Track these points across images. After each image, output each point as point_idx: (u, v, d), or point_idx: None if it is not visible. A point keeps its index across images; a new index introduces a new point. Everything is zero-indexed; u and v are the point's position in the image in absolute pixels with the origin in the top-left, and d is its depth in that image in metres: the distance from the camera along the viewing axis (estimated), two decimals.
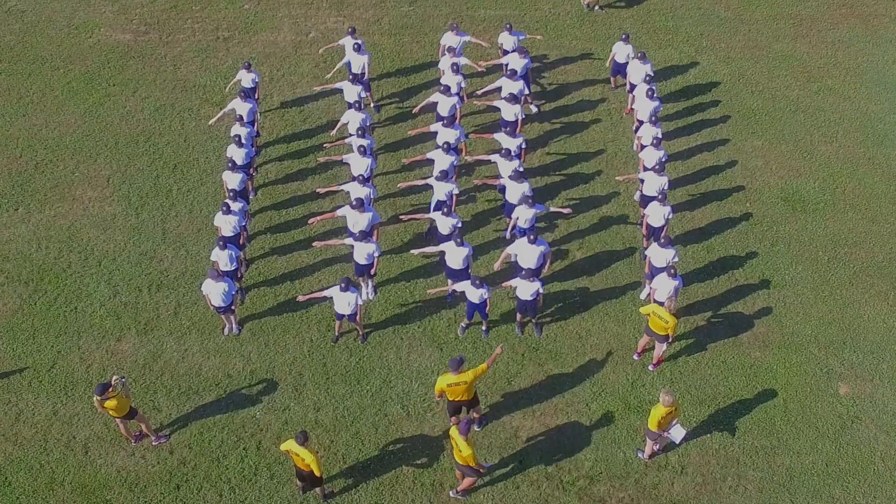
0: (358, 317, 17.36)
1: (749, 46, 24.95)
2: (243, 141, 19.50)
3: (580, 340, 18.07)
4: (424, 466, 16.32)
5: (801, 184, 21.39)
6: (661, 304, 17.44)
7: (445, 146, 19.42)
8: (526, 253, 17.78)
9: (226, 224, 18.17)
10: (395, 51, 24.40)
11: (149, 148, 21.73)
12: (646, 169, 19.66)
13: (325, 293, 17.25)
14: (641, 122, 20.71)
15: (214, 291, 17.06)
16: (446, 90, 20.63)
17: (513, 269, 18.25)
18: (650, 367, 17.71)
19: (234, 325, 18.09)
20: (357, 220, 18.23)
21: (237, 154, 19.31)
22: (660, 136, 19.86)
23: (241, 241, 18.53)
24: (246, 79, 21.17)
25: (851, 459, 16.60)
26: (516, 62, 21.61)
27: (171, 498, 15.85)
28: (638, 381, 17.58)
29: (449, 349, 17.94)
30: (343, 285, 16.90)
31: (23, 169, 21.21)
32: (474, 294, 17.26)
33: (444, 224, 18.46)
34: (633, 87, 21.78)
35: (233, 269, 17.88)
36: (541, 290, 17.40)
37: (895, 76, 24.17)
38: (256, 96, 21.44)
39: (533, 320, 18.20)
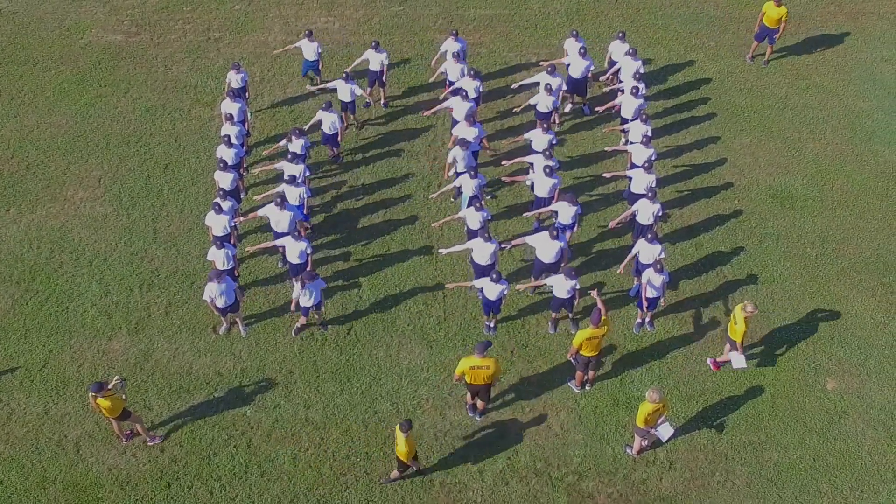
0: (293, 305, 17.50)
1: (738, 44, 25.04)
2: (233, 141, 19.57)
3: (569, 337, 18.13)
4: None
5: (790, 181, 21.50)
6: (653, 300, 17.57)
7: (475, 142, 19.57)
8: (546, 247, 17.85)
9: (217, 224, 18.24)
10: (386, 50, 24.41)
11: (140, 148, 21.79)
12: (634, 166, 19.76)
13: (295, 294, 17.31)
14: (626, 120, 20.81)
15: (218, 292, 17.10)
16: (465, 95, 20.58)
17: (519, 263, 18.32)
18: (710, 363, 17.89)
19: (241, 326, 18.13)
20: (279, 219, 18.29)
21: (227, 154, 19.37)
22: (649, 134, 19.92)
23: (231, 241, 18.58)
24: (235, 79, 21.24)
25: (839, 454, 16.71)
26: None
27: (162, 496, 15.92)
28: (626, 378, 17.68)
29: (438, 346, 18.03)
30: (305, 280, 16.94)
31: (14, 170, 21.27)
32: (493, 290, 17.28)
33: (474, 219, 18.47)
34: (622, 83, 21.84)
35: (230, 267, 17.94)
36: (577, 287, 17.45)
37: (883, 73, 24.30)
38: (246, 96, 21.52)
39: (570, 316, 18.26)
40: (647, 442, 16.38)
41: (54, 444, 16.53)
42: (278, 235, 18.46)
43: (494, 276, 17.15)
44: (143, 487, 16.02)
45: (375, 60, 21.93)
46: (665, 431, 16.03)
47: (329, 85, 21.70)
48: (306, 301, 17.30)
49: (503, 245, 18.61)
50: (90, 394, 15.26)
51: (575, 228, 18.95)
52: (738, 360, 17.26)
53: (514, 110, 22.36)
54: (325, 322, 18.29)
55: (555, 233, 17.67)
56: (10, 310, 18.52)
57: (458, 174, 19.72)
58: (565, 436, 16.83)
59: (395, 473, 16.00)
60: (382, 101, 22.88)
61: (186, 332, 18.19)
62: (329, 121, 20.42)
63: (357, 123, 22.31)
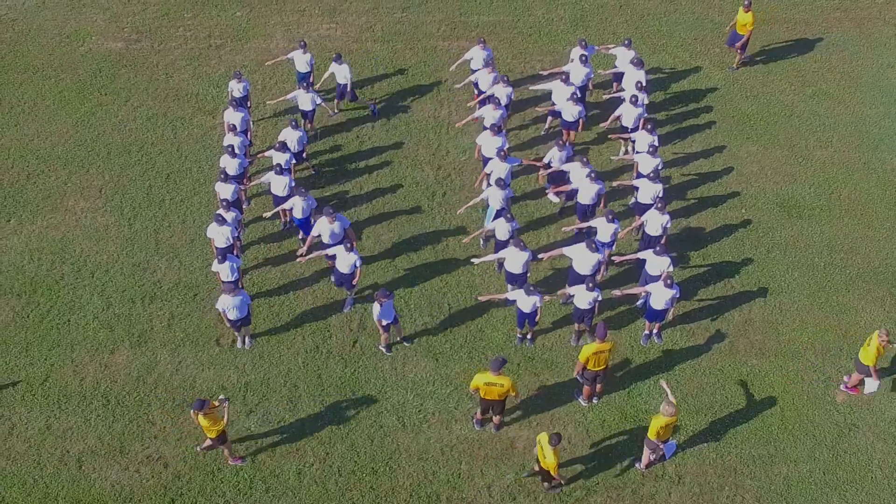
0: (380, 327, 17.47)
1: None
2: (236, 151, 19.39)
3: (576, 350, 17.94)
4: (421, 478, 16.24)
5: (797, 189, 21.34)
6: (661, 312, 17.38)
7: (502, 154, 19.28)
8: (583, 259, 17.69)
9: (219, 235, 18.06)
10: (389, 57, 24.31)
11: (141, 158, 21.61)
12: (640, 176, 19.59)
13: (376, 316, 17.16)
14: (626, 129, 20.65)
15: (231, 305, 16.89)
16: (497, 103, 20.47)
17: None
18: (842, 386, 17.62)
19: (246, 339, 17.97)
20: (332, 228, 18.19)
21: (230, 164, 19.21)
22: (656, 143, 19.75)
23: (234, 252, 18.40)
24: (237, 88, 21.06)
25: (849, 468, 16.54)
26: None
27: None
28: (634, 391, 17.51)
29: (444, 359, 17.86)
30: (382, 300, 16.81)
31: (14, 180, 21.08)
32: (526, 302, 17.10)
33: (503, 230, 18.31)
34: (624, 90, 21.66)
35: (234, 280, 17.77)
36: (599, 299, 17.28)
37: (890, 80, 24.14)
38: (248, 105, 21.35)
39: (587, 328, 18.07)
40: (655, 456, 16.21)
41: (56, 460, 16.36)
42: (325, 247, 18.34)
43: (530, 287, 17.00)
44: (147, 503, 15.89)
45: (340, 73, 21.73)
46: (669, 449, 15.97)
47: (289, 96, 21.46)
48: (385, 321, 17.22)
49: (539, 256, 18.40)
50: (192, 411, 15.20)
51: (612, 247, 18.62)
52: (870, 385, 17.05)
53: (537, 109, 22.22)
54: (408, 337, 18.17)
55: (593, 245, 17.51)
56: (10, 322, 18.34)
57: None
58: (573, 450, 16.65)
59: (546, 486, 15.84)
60: (371, 107, 22.67)
61: (189, 345, 18.01)
62: (294, 138, 20.17)
63: (315, 133, 22.06)
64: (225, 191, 18.81)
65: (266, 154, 20.08)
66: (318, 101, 21.31)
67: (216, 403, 15.55)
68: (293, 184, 19.40)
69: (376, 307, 16.96)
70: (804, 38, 25.43)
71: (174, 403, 17.13)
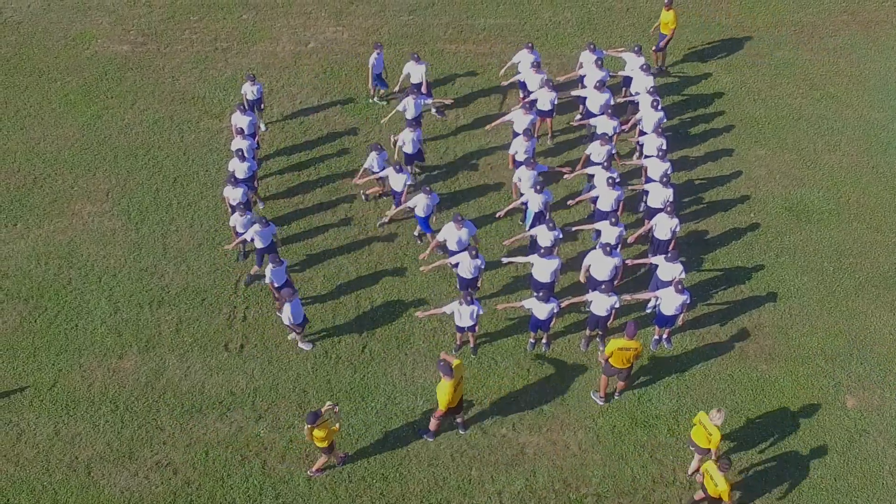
0: (476, 327, 17.35)
1: (751, 54, 24.86)
2: (245, 155, 19.34)
3: (586, 355, 17.93)
4: (431, 484, 16.19)
5: (805, 193, 21.30)
6: (671, 317, 17.32)
7: (531, 163, 19.22)
8: (600, 264, 17.58)
9: (262, 238, 18.07)
10: (395, 60, 24.21)
11: (148, 161, 21.55)
12: (650, 180, 19.53)
13: (445, 309, 17.06)
14: (645, 133, 20.58)
15: (292, 311, 16.90)
16: (527, 107, 20.43)
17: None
18: None
19: (301, 341, 18.00)
20: (460, 236, 18.13)
21: (239, 168, 19.16)
22: (664, 147, 19.70)
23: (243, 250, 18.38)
24: (250, 91, 21.03)
25: (860, 473, 16.49)
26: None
27: None
28: (644, 396, 17.46)
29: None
30: (466, 299, 16.73)
31: (21, 183, 21.02)
32: (542, 310, 16.97)
33: (546, 237, 18.12)
34: (635, 96, 21.60)
35: (286, 280, 17.89)
36: (616, 306, 17.17)
37: None
38: (262, 107, 21.32)
39: (600, 333, 17.95)
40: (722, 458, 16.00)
41: (65, 466, 16.29)
42: (453, 253, 18.23)
43: (542, 295, 16.88)
44: None
45: (417, 73, 21.69)
46: None
47: (399, 107, 21.02)
48: (461, 321, 17.06)
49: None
50: (307, 426, 15.04)
51: (617, 249, 18.49)
52: None
53: (571, 123, 22.15)
54: (476, 346, 18.09)
55: (608, 249, 17.42)
56: (18, 327, 18.28)
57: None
58: (583, 456, 16.60)
59: None
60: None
61: (198, 350, 17.95)
62: (409, 139, 20.11)
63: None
64: (234, 195, 18.76)
65: (373, 171, 20.01)
66: (429, 101, 21.37)
67: (324, 411, 15.26)
68: (410, 181, 19.44)
69: (447, 304, 16.95)
70: (811, 41, 25.39)
71: (183, 409, 17.07)
